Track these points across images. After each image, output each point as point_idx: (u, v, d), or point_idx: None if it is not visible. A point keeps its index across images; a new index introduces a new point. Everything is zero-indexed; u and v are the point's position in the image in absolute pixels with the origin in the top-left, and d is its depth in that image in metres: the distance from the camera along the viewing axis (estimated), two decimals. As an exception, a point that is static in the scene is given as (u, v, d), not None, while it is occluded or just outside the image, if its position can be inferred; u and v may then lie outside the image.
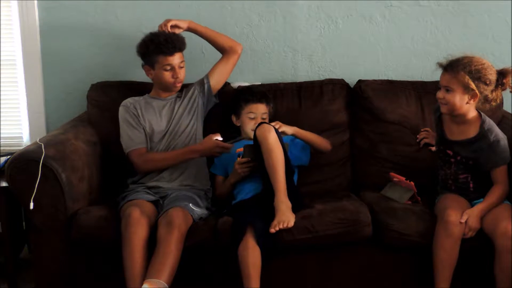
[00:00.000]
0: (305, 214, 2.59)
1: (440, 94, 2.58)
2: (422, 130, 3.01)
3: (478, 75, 2.50)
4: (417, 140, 3.01)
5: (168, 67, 2.86)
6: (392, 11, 3.26)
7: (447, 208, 2.53)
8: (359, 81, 3.17)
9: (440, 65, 2.58)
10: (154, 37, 2.85)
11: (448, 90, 2.55)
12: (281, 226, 2.43)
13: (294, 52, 3.30)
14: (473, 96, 2.52)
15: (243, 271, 2.43)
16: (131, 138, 2.86)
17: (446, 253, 2.48)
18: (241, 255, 2.44)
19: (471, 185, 2.65)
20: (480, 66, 2.51)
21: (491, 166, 2.58)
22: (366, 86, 3.11)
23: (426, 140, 2.99)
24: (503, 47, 3.25)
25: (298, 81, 3.24)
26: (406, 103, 3.08)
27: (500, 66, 2.60)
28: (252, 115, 2.93)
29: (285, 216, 2.46)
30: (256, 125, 2.71)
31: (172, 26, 2.93)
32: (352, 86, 3.18)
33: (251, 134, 2.84)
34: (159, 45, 2.81)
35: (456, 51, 3.21)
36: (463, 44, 3.25)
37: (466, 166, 2.63)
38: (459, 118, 2.61)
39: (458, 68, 2.51)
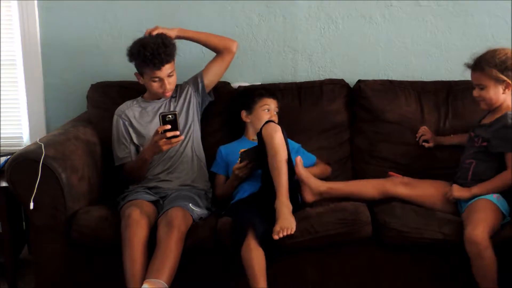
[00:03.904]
0: (305, 215, 2.59)
1: (475, 92, 2.66)
2: (421, 128, 3.02)
3: (504, 66, 2.57)
4: (417, 139, 3.01)
5: (156, 79, 2.83)
6: (392, 11, 3.26)
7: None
8: (359, 81, 3.17)
9: (468, 65, 2.65)
10: (141, 48, 2.77)
11: (481, 88, 2.63)
12: (284, 233, 2.41)
13: (294, 52, 3.30)
14: (506, 86, 2.59)
15: (249, 272, 2.42)
16: (117, 154, 2.89)
17: None
18: (245, 257, 2.44)
19: (470, 173, 2.67)
20: (504, 57, 2.58)
21: (501, 149, 2.59)
22: (366, 86, 3.11)
23: (424, 137, 3.00)
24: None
25: (298, 81, 3.24)
26: (405, 103, 3.08)
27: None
28: (267, 107, 2.94)
29: (287, 221, 2.44)
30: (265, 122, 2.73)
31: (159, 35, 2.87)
32: (352, 86, 3.19)
33: None
34: (145, 59, 2.76)
35: (456, 51, 3.25)
36: (463, 44, 3.25)
37: (476, 149, 2.67)
38: (496, 108, 2.67)
39: (482, 64, 2.59)
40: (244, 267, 2.44)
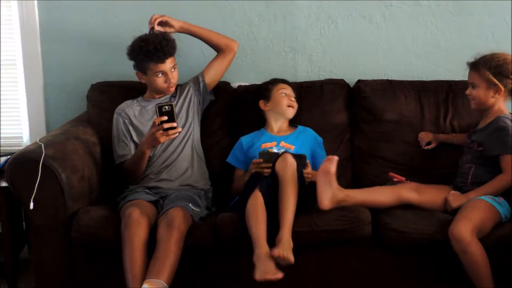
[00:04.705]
0: (306, 211, 2.59)
1: (468, 91, 2.72)
2: (420, 135, 3.02)
3: (499, 70, 2.61)
4: (422, 147, 3.01)
5: (160, 74, 2.85)
6: (392, 11, 3.26)
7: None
8: (358, 81, 3.17)
9: (468, 64, 2.70)
10: (143, 44, 2.80)
11: (473, 86, 2.68)
12: (283, 254, 2.34)
13: (294, 52, 3.30)
14: (497, 90, 2.63)
15: (251, 219, 2.44)
16: (117, 152, 2.90)
17: None
18: (249, 208, 2.46)
19: (469, 177, 2.68)
20: (501, 61, 2.62)
21: (494, 152, 2.61)
22: (365, 86, 3.12)
23: (426, 141, 3.01)
24: (503, 47, 3.24)
25: (298, 81, 3.24)
26: (405, 103, 3.08)
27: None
28: (283, 91, 2.96)
29: (286, 252, 2.36)
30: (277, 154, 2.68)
31: (162, 23, 2.91)
32: (352, 86, 3.19)
33: (287, 111, 2.94)
34: (149, 53, 2.78)
35: (456, 51, 3.25)
36: (463, 44, 3.25)
37: (474, 154, 2.69)
38: (487, 112, 2.71)
39: (479, 65, 2.64)
40: (246, 220, 2.45)
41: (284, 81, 3.05)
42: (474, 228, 2.43)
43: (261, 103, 2.99)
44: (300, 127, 2.99)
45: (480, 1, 3.24)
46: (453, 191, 2.67)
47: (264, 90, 3.01)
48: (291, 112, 2.97)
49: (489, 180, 2.62)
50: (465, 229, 2.41)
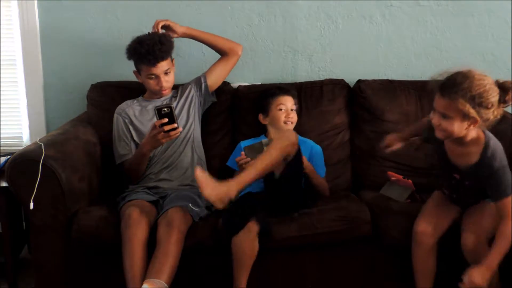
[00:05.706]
0: (305, 212, 2.60)
1: (435, 120, 2.24)
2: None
3: (479, 101, 2.14)
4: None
5: (153, 76, 2.84)
6: (392, 11, 3.26)
7: (419, 215, 2.48)
8: (359, 81, 3.17)
9: (435, 84, 2.22)
10: (137, 45, 2.79)
11: (445, 116, 2.21)
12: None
13: (294, 52, 3.30)
14: (473, 122, 2.19)
15: (237, 264, 2.43)
16: (118, 151, 2.90)
17: (419, 263, 2.45)
18: (240, 247, 2.44)
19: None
20: (481, 90, 2.14)
21: (497, 198, 2.27)
22: (366, 86, 3.12)
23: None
24: (503, 47, 3.25)
25: (298, 81, 3.24)
26: (405, 103, 3.08)
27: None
28: (282, 107, 2.92)
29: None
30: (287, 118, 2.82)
31: (165, 27, 2.91)
32: (352, 86, 3.19)
33: (284, 128, 2.88)
34: (140, 56, 2.78)
35: (456, 51, 3.24)
36: (463, 44, 3.25)
37: (477, 192, 2.41)
38: (458, 140, 2.30)
39: (456, 94, 2.15)
40: (233, 256, 2.45)
41: (285, 92, 2.96)
42: (486, 236, 2.33)
43: (260, 117, 2.98)
44: (299, 138, 2.97)
45: (480, 1, 3.24)
46: (473, 271, 2.21)
47: (263, 105, 2.96)
48: (288, 128, 2.91)
49: None
50: (477, 240, 2.33)
